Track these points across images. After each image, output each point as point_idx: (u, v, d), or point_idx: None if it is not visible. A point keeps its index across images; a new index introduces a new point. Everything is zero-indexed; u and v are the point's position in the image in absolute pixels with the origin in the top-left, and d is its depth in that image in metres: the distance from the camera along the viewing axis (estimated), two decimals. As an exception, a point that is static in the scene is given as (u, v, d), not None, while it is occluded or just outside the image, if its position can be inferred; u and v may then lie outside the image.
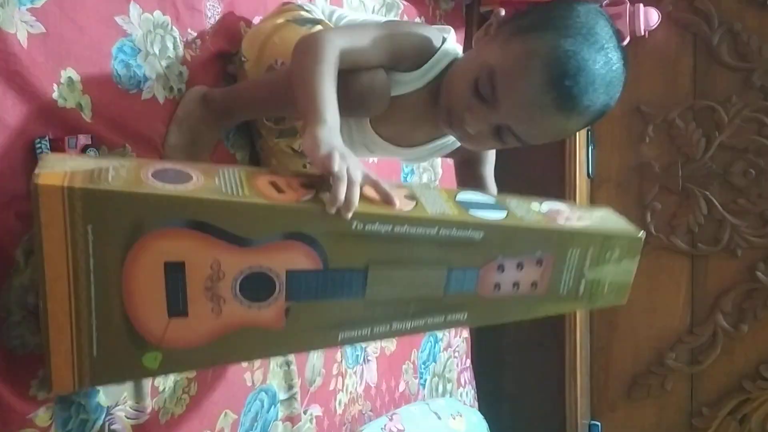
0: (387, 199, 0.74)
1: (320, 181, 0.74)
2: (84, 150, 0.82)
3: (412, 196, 0.77)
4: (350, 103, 0.90)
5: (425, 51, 0.98)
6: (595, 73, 0.85)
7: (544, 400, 2.06)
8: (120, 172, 0.69)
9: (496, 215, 0.79)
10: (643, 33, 2.00)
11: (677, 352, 2.03)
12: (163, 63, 0.98)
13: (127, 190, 0.66)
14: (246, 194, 0.70)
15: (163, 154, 0.98)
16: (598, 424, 2.07)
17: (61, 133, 0.83)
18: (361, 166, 0.74)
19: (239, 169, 0.75)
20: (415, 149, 1.09)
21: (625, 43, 2.01)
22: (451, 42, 1.01)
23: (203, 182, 0.70)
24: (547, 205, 0.85)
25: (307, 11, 1.08)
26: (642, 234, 0.84)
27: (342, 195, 0.70)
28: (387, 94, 0.95)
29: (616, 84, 0.88)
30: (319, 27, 1.02)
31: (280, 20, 1.06)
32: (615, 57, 0.87)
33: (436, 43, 0.99)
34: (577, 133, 1.92)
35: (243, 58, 1.07)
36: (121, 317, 0.70)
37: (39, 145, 0.80)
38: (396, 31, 0.98)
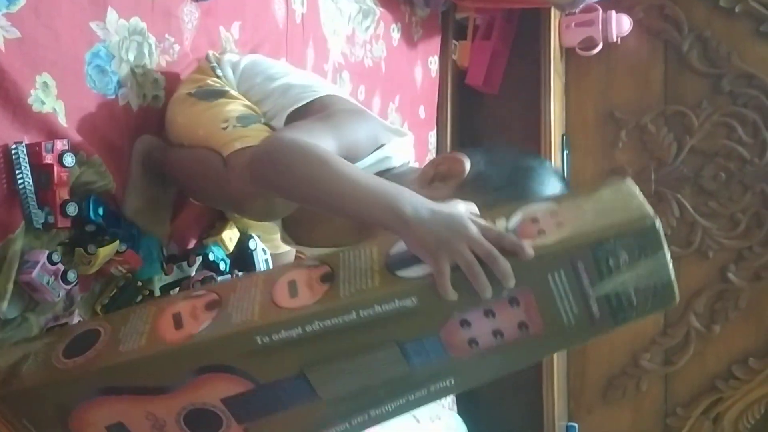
0: (516, 251, 0.63)
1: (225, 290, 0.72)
2: (61, 155, 0.82)
3: (327, 277, 0.67)
4: (256, 211, 0.87)
5: (352, 151, 0.87)
6: None
7: (521, 403, 2.07)
8: (38, 358, 0.72)
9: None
10: (615, 39, 2.03)
11: (651, 353, 2.06)
12: (138, 70, 0.98)
13: (28, 385, 0.70)
14: (141, 345, 0.68)
15: (127, 217, 0.94)
16: (575, 426, 2.09)
17: (38, 138, 0.83)
18: (468, 221, 0.64)
19: (150, 306, 0.74)
20: (316, 249, 0.99)
21: (598, 49, 2.04)
22: (387, 150, 0.92)
23: (106, 342, 0.71)
24: (520, 215, 0.68)
25: (214, 73, 1.02)
26: (652, 222, 0.63)
27: (483, 280, 0.62)
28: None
29: None
30: (220, 100, 0.94)
31: (184, 91, 0.99)
32: None
33: (366, 145, 0.90)
34: (552, 139, 1.96)
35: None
36: None
37: (15, 151, 0.80)
38: (338, 129, 0.86)
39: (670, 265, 0.65)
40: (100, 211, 0.87)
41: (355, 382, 0.68)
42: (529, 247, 0.62)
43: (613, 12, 2.02)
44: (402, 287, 0.64)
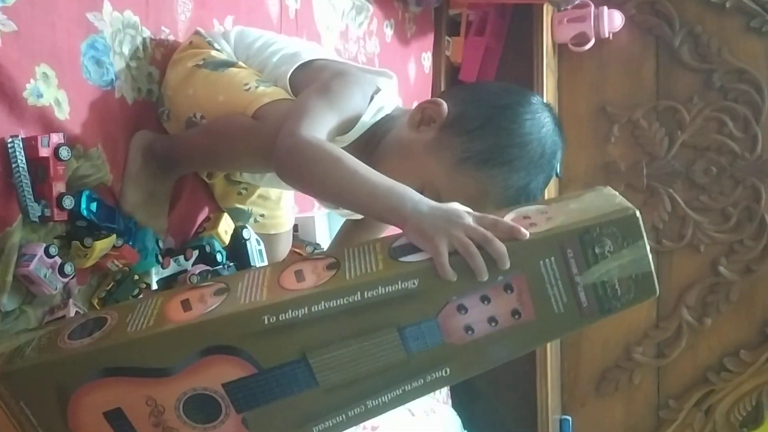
0: (512, 234, 0.67)
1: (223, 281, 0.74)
2: (57, 149, 0.82)
3: (333, 265, 0.71)
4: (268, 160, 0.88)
5: (354, 117, 0.92)
6: (539, 188, 0.89)
7: (515, 396, 2.09)
8: (41, 342, 0.73)
9: None
10: (607, 35, 2.05)
11: (644, 346, 2.08)
12: (133, 63, 0.98)
13: (32, 363, 0.70)
14: (149, 325, 0.69)
15: (123, 211, 0.95)
16: (569, 418, 2.10)
17: (34, 131, 0.83)
18: (464, 213, 0.69)
19: (157, 296, 0.75)
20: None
21: (590, 45, 2.06)
22: (380, 100, 0.95)
23: (114, 326, 0.71)
24: (512, 215, 0.73)
25: (212, 47, 1.03)
26: (633, 212, 0.68)
27: (479, 260, 0.65)
28: None
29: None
30: (232, 69, 0.97)
31: (189, 64, 1.00)
32: (560, 156, 0.91)
33: (363, 104, 0.93)
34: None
35: (164, 111, 1.02)
36: None
37: (11, 144, 0.80)
38: (337, 101, 0.90)
39: (650, 256, 0.69)
40: (93, 206, 0.87)
41: (354, 368, 0.70)
42: (524, 229, 0.67)
43: (605, 8, 2.03)
44: (404, 269, 0.68)
